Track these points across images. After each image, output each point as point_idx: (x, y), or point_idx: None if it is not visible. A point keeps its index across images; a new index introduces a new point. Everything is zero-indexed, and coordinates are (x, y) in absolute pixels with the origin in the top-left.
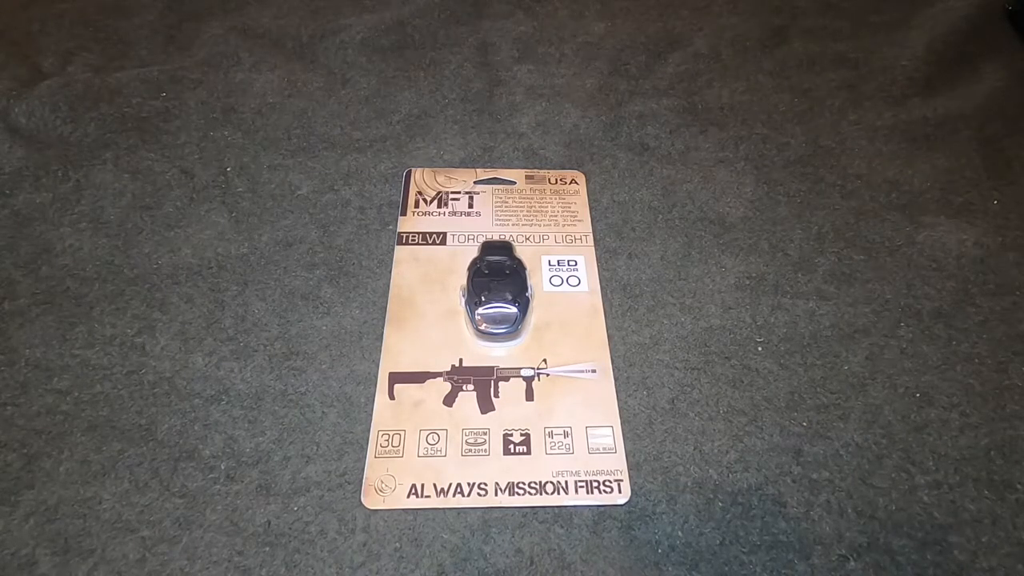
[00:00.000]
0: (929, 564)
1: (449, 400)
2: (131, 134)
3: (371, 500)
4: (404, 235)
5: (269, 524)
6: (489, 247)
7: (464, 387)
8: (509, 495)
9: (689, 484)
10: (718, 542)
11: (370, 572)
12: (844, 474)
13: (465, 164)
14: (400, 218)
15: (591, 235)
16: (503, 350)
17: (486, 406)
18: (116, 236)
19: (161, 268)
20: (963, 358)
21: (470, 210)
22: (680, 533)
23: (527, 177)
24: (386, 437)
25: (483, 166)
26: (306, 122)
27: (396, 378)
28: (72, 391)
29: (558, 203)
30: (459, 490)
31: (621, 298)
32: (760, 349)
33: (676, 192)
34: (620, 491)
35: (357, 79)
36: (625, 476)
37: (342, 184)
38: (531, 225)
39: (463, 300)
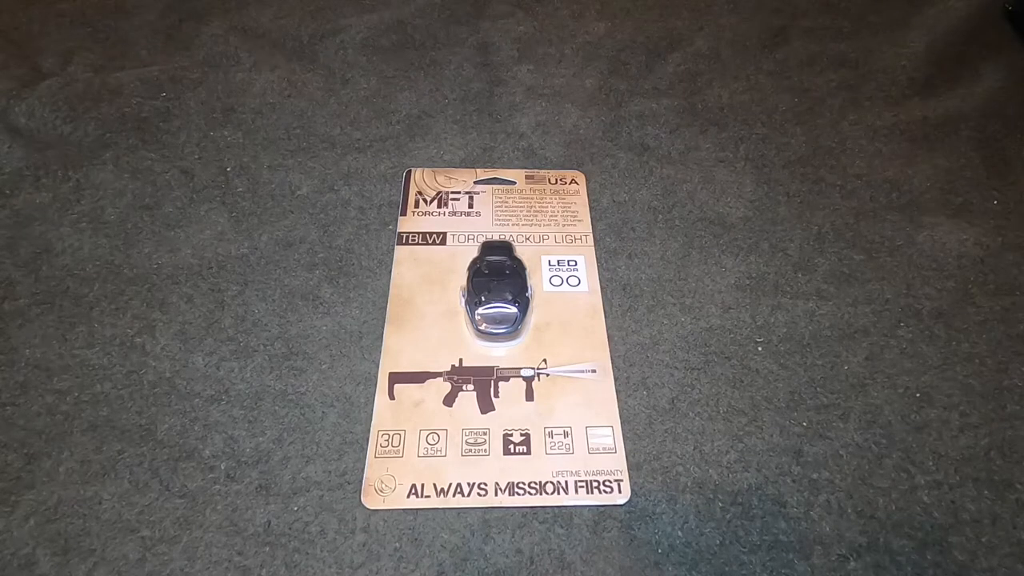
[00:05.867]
0: (929, 564)
1: (449, 400)
2: (131, 134)
3: (371, 500)
4: (404, 235)
5: (269, 524)
6: (489, 247)
7: (464, 387)
8: (509, 495)
9: (689, 484)
10: (718, 542)
11: (370, 572)
12: (844, 474)
13: (465, 164)
14: (400, 218)
15: (591, 235)
16: (503, 350)
17: (486, 406)
18: (116, 236)
19: (161, 268)
20: (963, 358)
21: (470, 210)
22: (680, 533)
23: (527, 177)
24: (386, 437)
25: (483, 166)
26: (306, 122)
27: (396, 378)
28: (72, 391)
29: (558, 203)
30: (459, 490)
31: (621, 298)
32: (760, 349)
33: (676, 192)
34: (620, 491)
35: (357, 79)
36: (625, 476)
37: (342, 184)
38: (531, 225)
39: (463, 300)
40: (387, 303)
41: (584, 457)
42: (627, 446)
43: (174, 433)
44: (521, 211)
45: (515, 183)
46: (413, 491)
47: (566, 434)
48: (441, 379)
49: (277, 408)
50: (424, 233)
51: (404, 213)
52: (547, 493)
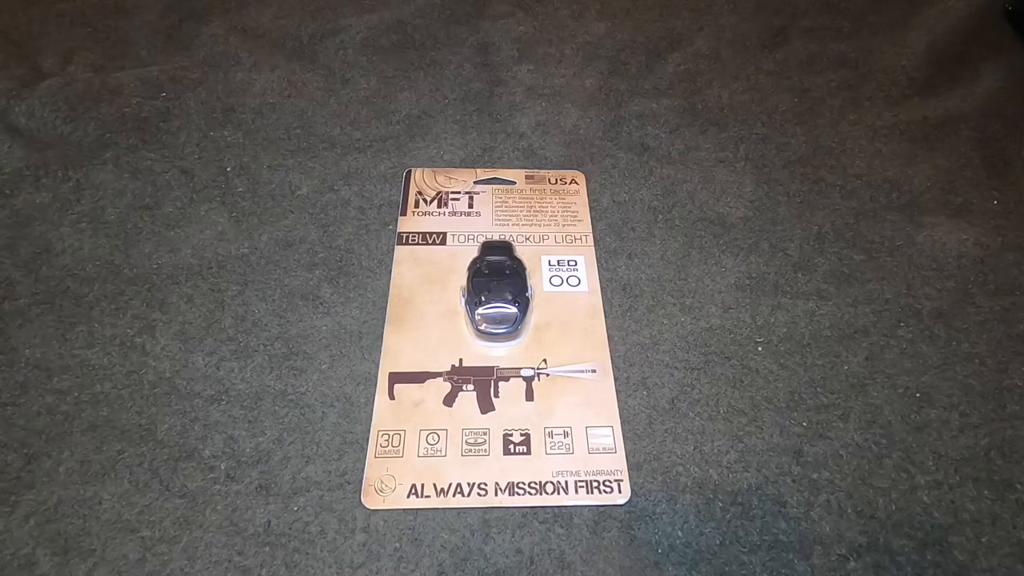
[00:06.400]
0: (929, 564)
1: (449, 400)
2: (131, 134)
3: (371, 500)
4: (404, 235)
5: (269, 524)
6: (489, 247)
7: (464, 387)
8: (509, 495)
9: (689, 484)
10: (718, 542)
11: (370, 572)
12: (844, 474)
13: (465, 164)
14: (400, 218)
15: (591, 235)
16: (503, 350)
17: (486, 406)
18: (116, 236)
19: (161, 268)
20: (963, 358)
21: (470, 210)
22: (680, 533)
23: (527, 177)
24: (386, 437)
25: (483, 166)
26: (306, 122)
27: (396, 378)
28: (72, 391)
29: (558, 203)
30: (459, 490)
31: (621, 298)
32: (760, 349)
33: (676, 192)
34: (620, 491)
35: (357, 79)
36: (625, 476)
37: (342, 184)
38: (531, 225)
39: (463, 300)
40: (387, 303)
41: (584, 457)
42: (627, 446)
43: (174, 433)
44: (521, 211)
45: (515, 183)
46: (413, 491)
47: (566, 434)
48: (441, 379)
49: (277, 408)
50: (424, 233)
51: (404, 213)
52: (547, 493)
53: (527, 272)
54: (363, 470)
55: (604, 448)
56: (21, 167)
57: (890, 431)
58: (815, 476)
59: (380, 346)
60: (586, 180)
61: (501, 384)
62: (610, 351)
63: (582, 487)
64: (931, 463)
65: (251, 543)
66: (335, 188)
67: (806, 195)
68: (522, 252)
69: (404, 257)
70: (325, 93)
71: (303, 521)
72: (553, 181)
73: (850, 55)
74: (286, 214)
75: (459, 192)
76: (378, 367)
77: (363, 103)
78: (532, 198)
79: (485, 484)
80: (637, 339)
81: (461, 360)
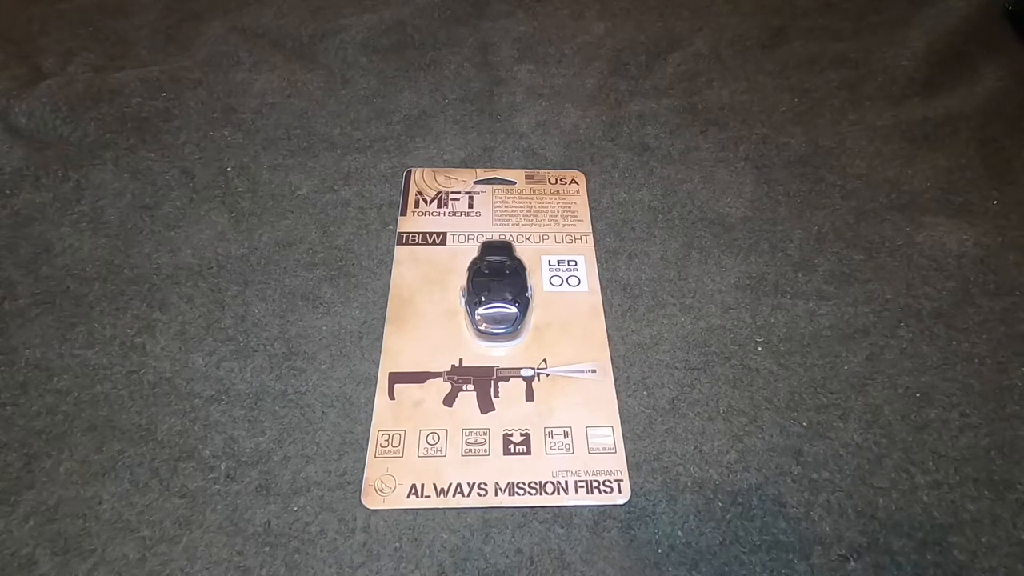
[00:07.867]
0: (929, 564)
1: (449, 400)
2: (131, 134)
3: (371, 500)
4: (404, 235)
5: (269, 524)
6: (489, 247)
7: (464, 387)
8: (509, 495)
9: (689, 484)
10: (718, 542)
11: (370, 572)
12: (844, 474)
13: (465, 164)
14: (400, 218)
15: (591, 235)
16: (503, 350)
17: (486, 406)
18: (116, 236)
19: (161, 268)
20: (963, 358)
21: (470, 210)
22: (680, 533)
23: (527, 177)
24: (386, 437)
25: (483, 166)
26: (306, 122)
27: (396, 378)
28: (72, 391)
29: (558, 203)
30: (459, 490)
31: (621, 298)
32: (760, 349)
33: (676, 192)
34: (620, 491)
35: (357, 79)
36: (625, 476)
37: (342, 184)
38: (531, 225)
39: (463, 300)
40: (387, 303)
41: (584, 457)
42: (627, 446)
43: (174, 433)
44: (521, 211)
45: (515, 183)
46: (413, 491)
47: (566, 434)
48: (441, 379)
49: (277, 408)
50: (424, 233)
51: (404, 213)
52: (547, 493)
53: (527, 272)
54: (363, 470)
55: (604, 448)
56: (21, 167)
57: (890, 431)
58: (815, 476)
59: (380, 346)
60: (586, 180)
61: (501, 384)
62: (610, 351)
63: (582, 487)
64: (931, 463)
65: (251, 543)
66: (335, 188)
67: (806, 195)
68: (522, 252)
69: (404, 257)
70: (325, 93)
71: (303, 521)
72: (553, 181)
73: (850, 55)
74: (286, 214)
75: (459, 192)
76: (378, 367)
77: (363, 103)
78: (532, 198)
79: (485, 484)
80: (637, 339)
81: (461, 360)
